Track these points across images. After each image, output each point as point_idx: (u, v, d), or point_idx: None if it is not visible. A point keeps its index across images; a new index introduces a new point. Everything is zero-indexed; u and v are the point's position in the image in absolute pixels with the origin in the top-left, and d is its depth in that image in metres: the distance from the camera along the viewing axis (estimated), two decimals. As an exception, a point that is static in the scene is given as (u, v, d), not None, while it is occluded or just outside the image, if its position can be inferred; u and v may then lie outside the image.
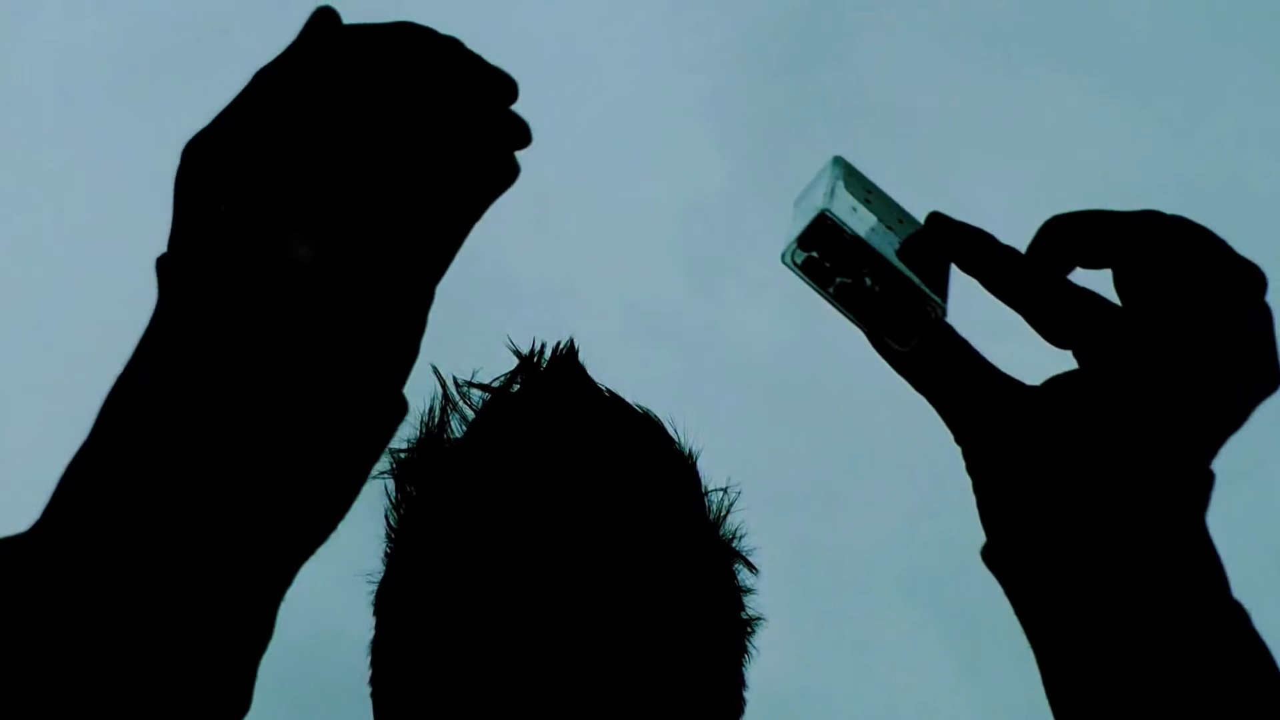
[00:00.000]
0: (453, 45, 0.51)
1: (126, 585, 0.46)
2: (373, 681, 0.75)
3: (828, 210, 0.56)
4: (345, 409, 0.50)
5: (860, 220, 0.57)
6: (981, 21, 3.38)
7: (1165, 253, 0.54)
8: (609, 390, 0.79)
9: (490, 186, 0.52)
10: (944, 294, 0.58)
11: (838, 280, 0.57)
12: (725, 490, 0.80)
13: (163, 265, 0.50)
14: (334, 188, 0.49)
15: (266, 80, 0.50)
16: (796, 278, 0.58)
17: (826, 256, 0.57)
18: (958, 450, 0.59)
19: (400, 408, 0.52)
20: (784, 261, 0.57)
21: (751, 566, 0.80)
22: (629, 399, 0.79)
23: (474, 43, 0.51)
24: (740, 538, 0.80)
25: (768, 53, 3.40)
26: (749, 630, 0.78)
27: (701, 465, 0.80)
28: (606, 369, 0.79)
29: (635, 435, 0.77)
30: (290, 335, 0.49)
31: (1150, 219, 0.55)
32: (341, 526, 0.52)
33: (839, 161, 0.60)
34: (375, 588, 0.77)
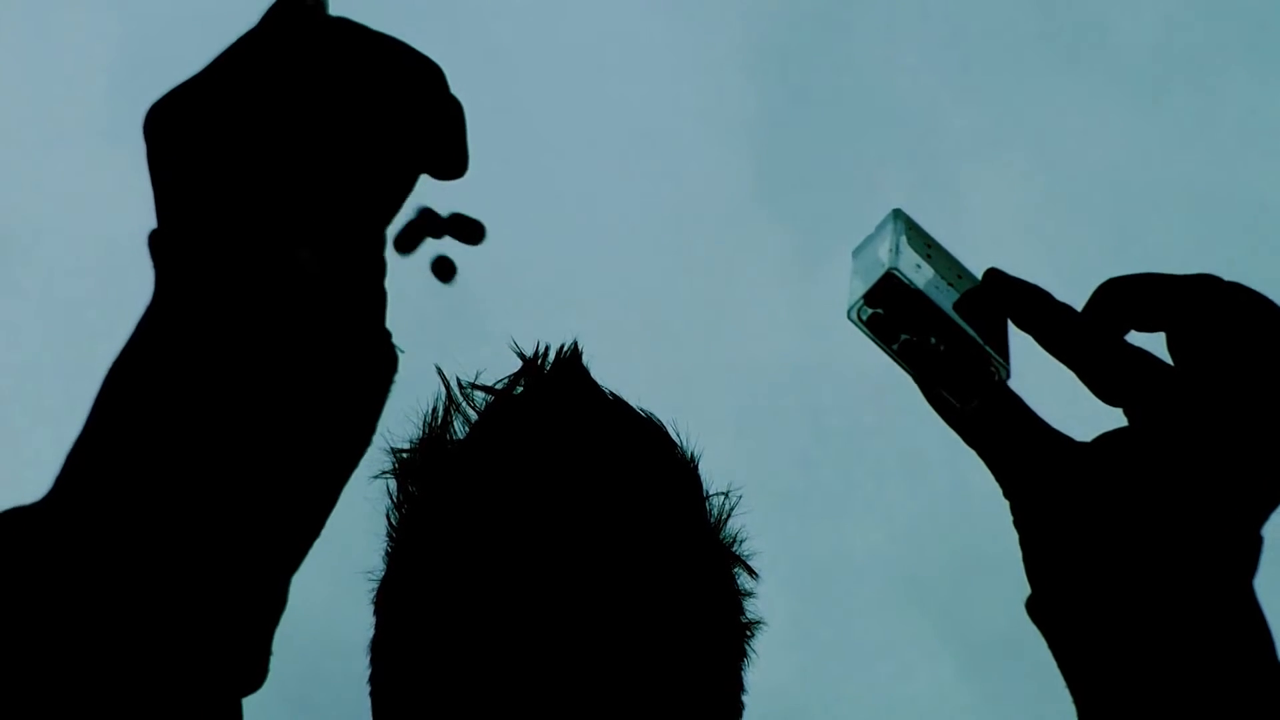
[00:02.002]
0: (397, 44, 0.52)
1: (142, 551, 0.47)
2: (371, 680, 0.76)
3: (895, 269, 0.57)
4: (344, 360, 0.52)
5: (922, 276, 0.58)
6: (986, 25, 3.38)
7: (1220, 317, 0.55)
8: (612, 393, 0.79)
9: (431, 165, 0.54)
10: (1005, 353, 0.58)
11: (902, 337, 0.58)
12: (726, 494, 0.80)
13: (157, 244, 0.51)
14: (325, 185, 0.51)
15: (248, 53, 0.50)
16: (859, 330, 0.58)
17: (892, 313, 0.57)
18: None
19: (392, 351, 0.54)
20: (849, 317, 0.58)
21: (751, 571, 0.80)
22: (632, 402, 0.80)
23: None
24: (740, 542, 0.80)
25: (770, 56, 3.41)
26: (748, 634, 0.78)
27: (703, 469, 0.80)
28: (610, 372, 0.80)
29: (637, 438, 0.77)
30: (290, 318, 0.51)
31: (1206, 283, 0.56)
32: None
33: (900, 215, 0.61)
34: (375, 587, 0.78)
